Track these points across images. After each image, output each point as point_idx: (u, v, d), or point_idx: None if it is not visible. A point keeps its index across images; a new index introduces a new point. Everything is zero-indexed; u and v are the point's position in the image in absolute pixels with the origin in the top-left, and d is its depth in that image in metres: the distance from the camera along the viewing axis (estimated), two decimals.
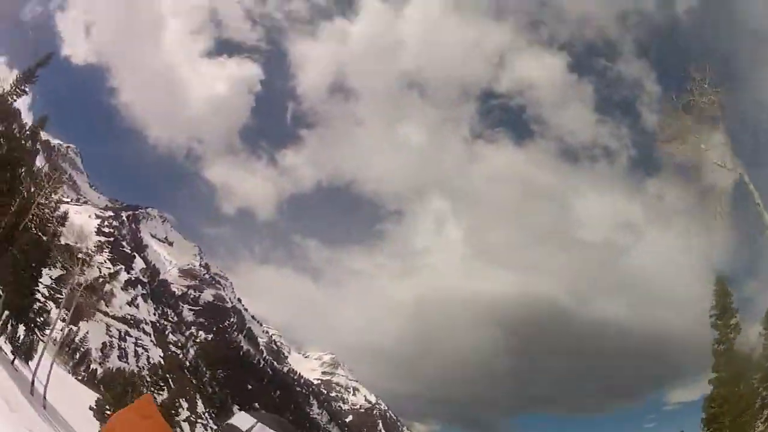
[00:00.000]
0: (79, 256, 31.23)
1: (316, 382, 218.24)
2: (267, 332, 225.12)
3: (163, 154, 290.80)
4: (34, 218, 30.79)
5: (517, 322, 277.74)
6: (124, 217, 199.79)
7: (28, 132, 38.32)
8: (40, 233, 30.74)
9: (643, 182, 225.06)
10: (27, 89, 37.28)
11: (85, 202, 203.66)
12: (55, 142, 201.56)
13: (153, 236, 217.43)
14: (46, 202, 32.11)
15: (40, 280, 32.52)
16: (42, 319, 33.68)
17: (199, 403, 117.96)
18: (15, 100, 36.84)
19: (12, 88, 36.12)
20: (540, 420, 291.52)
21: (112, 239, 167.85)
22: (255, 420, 1.23)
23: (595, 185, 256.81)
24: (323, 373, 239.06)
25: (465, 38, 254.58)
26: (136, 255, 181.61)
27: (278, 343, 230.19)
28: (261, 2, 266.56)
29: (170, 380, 36.35)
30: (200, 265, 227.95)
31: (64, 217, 37.24)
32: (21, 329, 34.15)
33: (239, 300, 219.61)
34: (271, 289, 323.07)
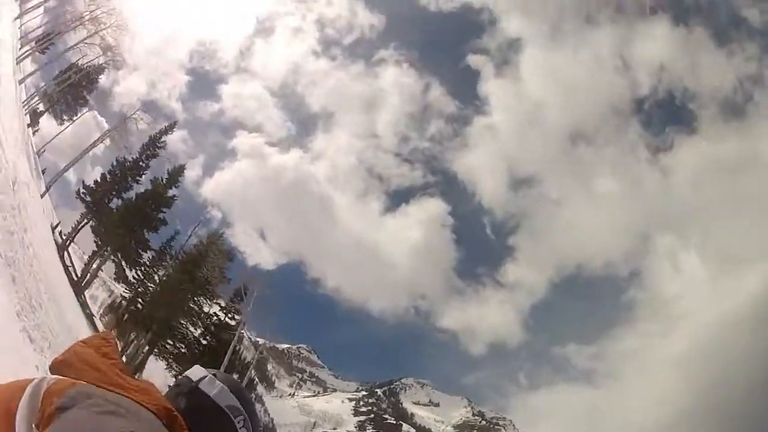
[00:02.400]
0: None
1: None
2: None
3: (393, 323, 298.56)
4: None
5: None
6: (379, 393, 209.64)
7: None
8: None
9: None
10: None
11: (334, 390, 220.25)
12: (282, 346, 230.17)
13: (416, 403, 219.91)
14: None
15: None
16: None
17: None
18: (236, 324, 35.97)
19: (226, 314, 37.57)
20: None
21: (372, 415, 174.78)
22: (206, 373, 1.35)
23: None
24: None
25: None
26: (403, 424, 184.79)
27: None
28: (404, 141, 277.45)
29: None
30: (473, 415, 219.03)
31: None
32: None
33: None
34: (552, 412, 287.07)
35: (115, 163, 39.59)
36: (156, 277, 37.73)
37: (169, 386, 1.39)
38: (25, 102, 39.16)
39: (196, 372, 1.36)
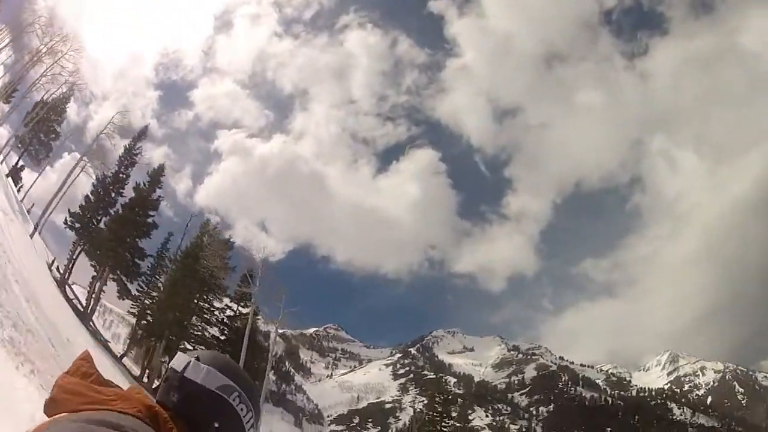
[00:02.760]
0: None
1: (666, 386, 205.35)
2: (601, 370, 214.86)
3: (410, 280, 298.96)
4: None
5: None
6: (413, 351, 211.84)
7: None
8: None
9: None
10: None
11: (369, 361, 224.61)
12: (309, 331, 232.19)
13: (451, 353, 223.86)
14: None
15: None
16: None
17: None
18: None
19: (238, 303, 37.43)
20: None
21: (411, 375, 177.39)
22: (189, 358, 1.28)
23: None
24: (668, 374, 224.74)
25: None
26: (443, 376, 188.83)
27: (616, 374, 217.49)
28: (382, 100, 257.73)
29: None
30: (509, 350, 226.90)
31: None
32: None
33: (560, 358, 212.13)
34: (582, 329, 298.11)
35: (95, 183, 38.88)
36: (159, 284, 37.28)
37: (160, 384, 1.32)
38: None
39: (180, 361, 1.29)
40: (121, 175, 38.99)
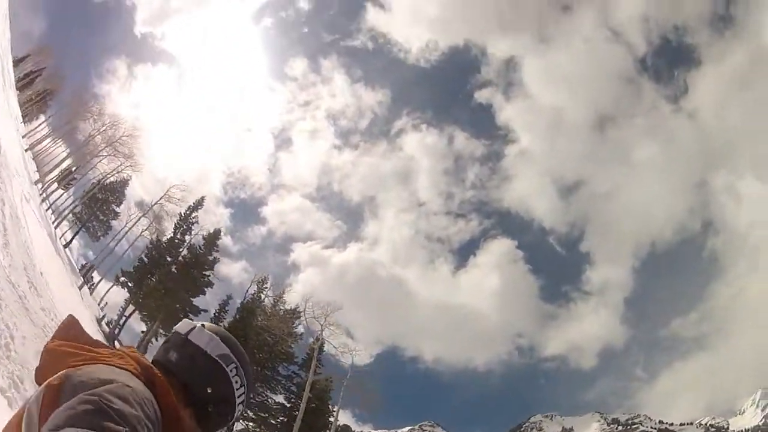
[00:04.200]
0: None
1: (761, 423, 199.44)
2: (700, 424, 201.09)
3: (499, 372, 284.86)
4: None
5: None
6: None
7: None
8: None
9: None
10: None
11: None
12: (404, 430, 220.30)
13: None
14: None
15: None
16: None
17: None
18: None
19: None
20: None
21: None
22: (195, 324, 1.34)
23: None
24: (762, 409, 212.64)
25: None
26: None
27: (714, 425, 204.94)
28: (449, 198, 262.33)
29: None
30: (609, 424, 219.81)
31: None
32: None
33: (660, 422, 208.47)
34: (678, 390, 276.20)
35: (149, 246, 38.08)
36: None
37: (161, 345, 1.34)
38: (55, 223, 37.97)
39: (184, 325, 1.35)
40: (176, 240, 38.09)
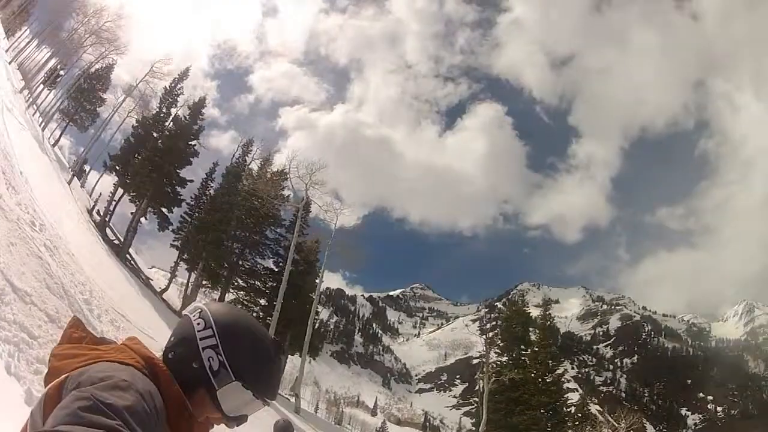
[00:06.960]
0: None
1: (742, 338, 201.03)
2: (682, 320, 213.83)
3: (484, 236, 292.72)
4: None
5: None
6: (500, 306, 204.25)
7: None
8: None
9: None
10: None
11: (456, 317, 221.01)
12: (396, 292, 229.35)
13: (537, 306, 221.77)
14: None
15: None
16: None
17: (648, 426, 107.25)
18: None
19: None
20: None
21: (497, 330, 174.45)
22: (198, 306, 1.26)
23: None
24: (744, 324, 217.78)
25: None
26: (530, 329, 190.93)
27: (696, 324, 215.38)
28: (438, 62, 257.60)
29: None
30: (594, 301, 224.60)
31: None
32: None
33: (643, 308, 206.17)
34: (661, 279, 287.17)
35: (135, 125, 37.33)
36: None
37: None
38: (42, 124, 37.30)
39: (189, 308, 1.29)
40: (162, 115, 37.04)
